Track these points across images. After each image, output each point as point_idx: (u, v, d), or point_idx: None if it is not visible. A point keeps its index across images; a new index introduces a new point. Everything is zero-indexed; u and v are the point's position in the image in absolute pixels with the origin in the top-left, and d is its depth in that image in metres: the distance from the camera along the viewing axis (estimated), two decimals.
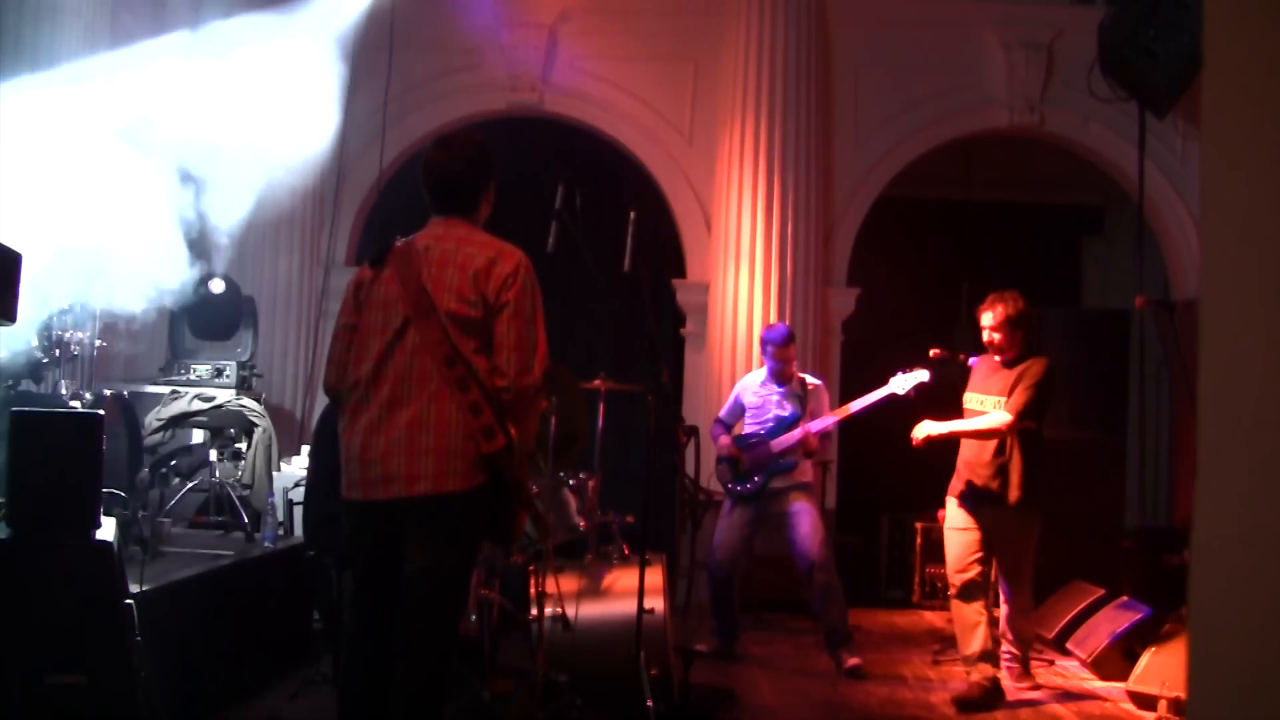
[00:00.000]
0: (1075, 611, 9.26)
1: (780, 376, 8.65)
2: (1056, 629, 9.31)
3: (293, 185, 10.12)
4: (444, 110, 11.68)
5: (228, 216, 9.36)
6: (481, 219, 4.91)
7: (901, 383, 8.46)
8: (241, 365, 9.13)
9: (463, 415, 4.52)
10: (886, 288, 12.40)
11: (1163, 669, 7.41)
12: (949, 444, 7.85)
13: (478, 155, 4.91)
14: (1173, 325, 10.38)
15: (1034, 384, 7.51)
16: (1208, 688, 1.93)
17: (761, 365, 8.97)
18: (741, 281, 11.09)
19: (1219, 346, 1.94)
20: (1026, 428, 7.54)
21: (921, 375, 8.46)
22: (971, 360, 9.17)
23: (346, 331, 4.77)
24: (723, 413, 8.97)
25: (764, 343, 8.83)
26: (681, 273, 11.79)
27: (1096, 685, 8.27)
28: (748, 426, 8.81)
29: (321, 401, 9.53)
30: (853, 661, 8.28)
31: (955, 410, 9.23)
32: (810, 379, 8.90)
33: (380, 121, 11.18)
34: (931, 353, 9.23)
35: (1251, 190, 1.91)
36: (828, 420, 8.58)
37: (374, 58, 11.04)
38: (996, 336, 7.65)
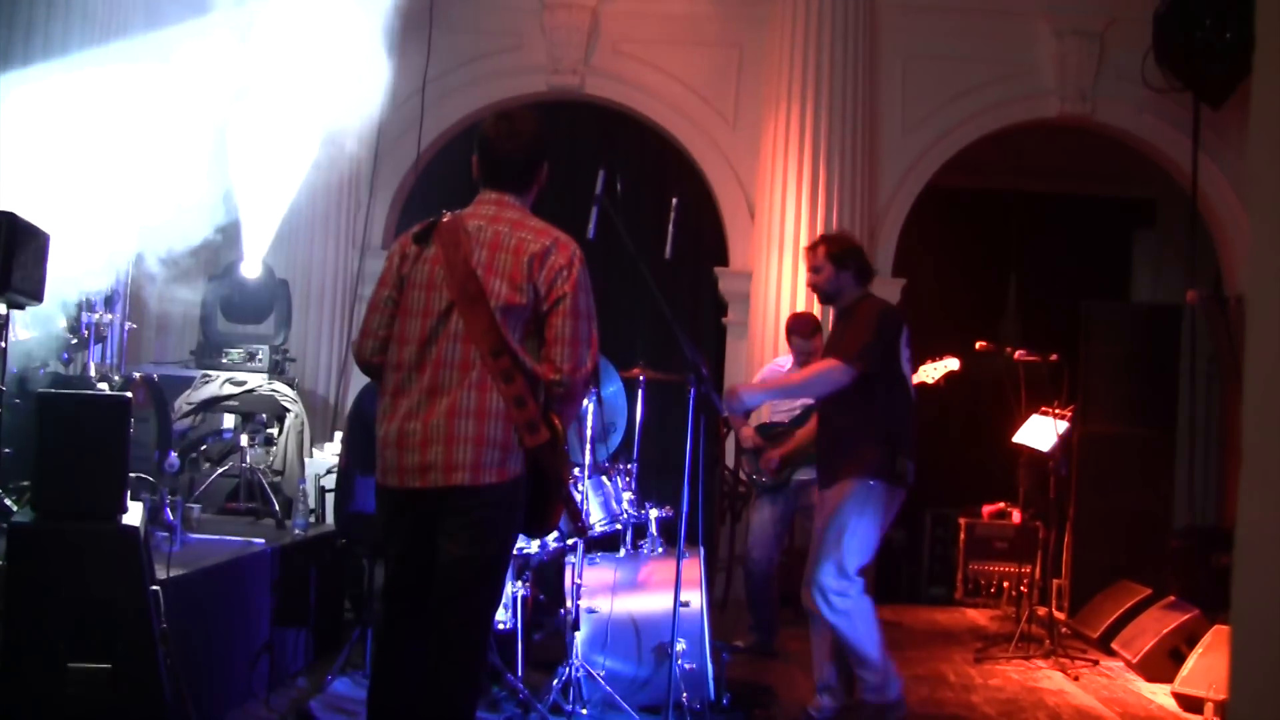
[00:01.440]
0: (1121, 611, 9.18)
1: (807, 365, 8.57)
2: (1102, 629, 9.23)
3: (336, 167, 10.14)
4: (483, 93, 11.61)
5: (270, 199, 9.36)
6: (531, 198, 4.84)
7: (930, 371, 8.38)
8: (274, 349, 9.09)
9: (506, 406, 4.45)
10: (932, 279, 12.31)
11: (1210, 671, 7.33)
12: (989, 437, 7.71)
13: (537, 133, 4.83)
14: (1225, 320, 10.29)
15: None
16: (1249, 689, 1.89)
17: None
18: (785, 271, 10.99)
19: (1265, 343, 1.88)
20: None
21: (951, 364, 8.37)
22: (1019, 354, 9.09)
23: (386, 305, 4.67)
24: None
25: (789, 332, 8.77)
26: (724, 261, 11.70)
27: (1142, 686, 8.18)
28: (774, 416, 8.74)
29: (355, 387, 9.51)
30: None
31: (1001, 406, 9.17)
32: None
33: (419, 104, 11.12)
34: (978, 345, 9.17)
35: None
36: None
37: (412, 38, 10.98)
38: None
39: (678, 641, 6.30)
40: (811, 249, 6.80)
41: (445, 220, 4.65)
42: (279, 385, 8.87)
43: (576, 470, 6.66)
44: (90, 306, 6.33)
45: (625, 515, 7.05)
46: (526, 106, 11.03)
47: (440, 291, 4.55)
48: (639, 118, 11.85)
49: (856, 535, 6.35)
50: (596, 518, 6.85)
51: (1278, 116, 1.93)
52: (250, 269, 9.28)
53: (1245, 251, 11.51)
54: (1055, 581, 10.41)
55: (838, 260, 6.63)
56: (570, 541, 6.71)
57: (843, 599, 6.34)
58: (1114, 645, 8.91)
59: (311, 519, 7.78)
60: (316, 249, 10.98)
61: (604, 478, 7.02)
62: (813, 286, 6.88)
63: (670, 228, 6.75)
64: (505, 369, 4.45)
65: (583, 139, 11.96)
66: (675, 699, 6.19)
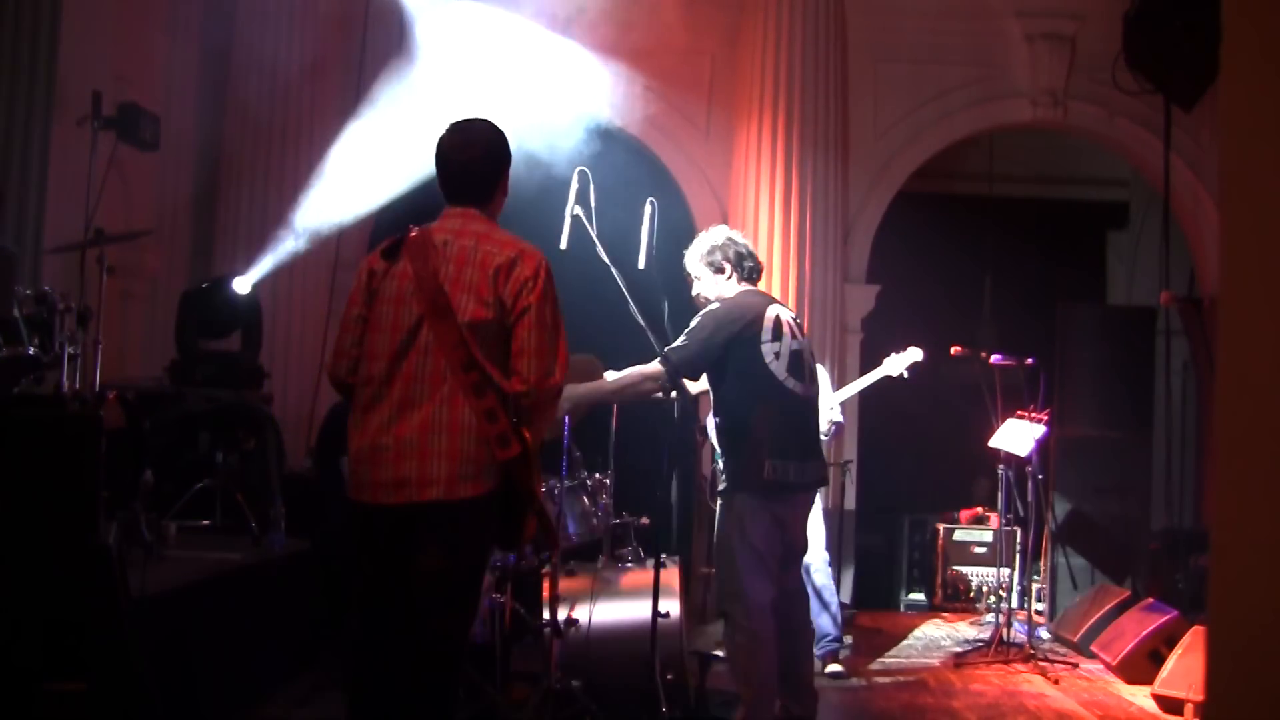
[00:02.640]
0: (1100, 614, 9.21)
1: None
2: (1081, 632, 9.25)
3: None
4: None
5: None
6: (497, 209, 4.82)
7: (895, 364, 8.39)
8: (249, 365, 9.05)
9: (478, 420, 4.43)
10: (907, 284, 12.33)
11: (1189, 672, 7.34)
12: (966, 441, 7.69)
13: (494, 141, 4.81)
14: (1199, 321, 10.33)
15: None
16: (1227, 690, 1.89)
17: None
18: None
19: (1238, 344, 1.89)
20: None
21: (915, 354, 8.39)
22: (994, 358, 9.11)
23: (357, 324, 4.65)
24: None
25: None
26: None
27: (1122, 689, 8.20)
28: None
29: (328, 402, 9.47)
30: (833, 667, 8.18)
31: (980, 408, 9.19)
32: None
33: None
34: (953, 350, 9.19)
35: (1272, 183, 1.87)
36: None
37: (382, 50, 11.01)
38: None
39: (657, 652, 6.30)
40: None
41: (413, 235, 4.64)
42: (254, 400, 8.82)
43: (550, 482, 6.64)
44: (62, 323, 6.29)
45: (601, 526, 7.04)
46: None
47: (409, 306, 4.54)
48: (611, 127, 11.84)
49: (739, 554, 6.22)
50: (572, 529, 6.84)
51: (1247, 116, 1.94)
52: (241, 285, 9.20)
53: (1218, 253, 11.55)
54: (1034, 585, 10.45)
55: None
56: (546, 553, 6.69)
57: None
58: (1093, 648, 8.93)
59: (286, 535, 7.75)
60: (291, 263, 10.93)
61: (580, 489, 7.01)
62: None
63: (645, 235, 6.73)
64: (475, 383, 4.44)
65: (557, 148, 11.94)
66: (654, 710, 6.19)
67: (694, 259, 6.60)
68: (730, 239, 6.64)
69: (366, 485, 4.51)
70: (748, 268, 6.58)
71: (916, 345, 8.51)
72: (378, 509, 4.51)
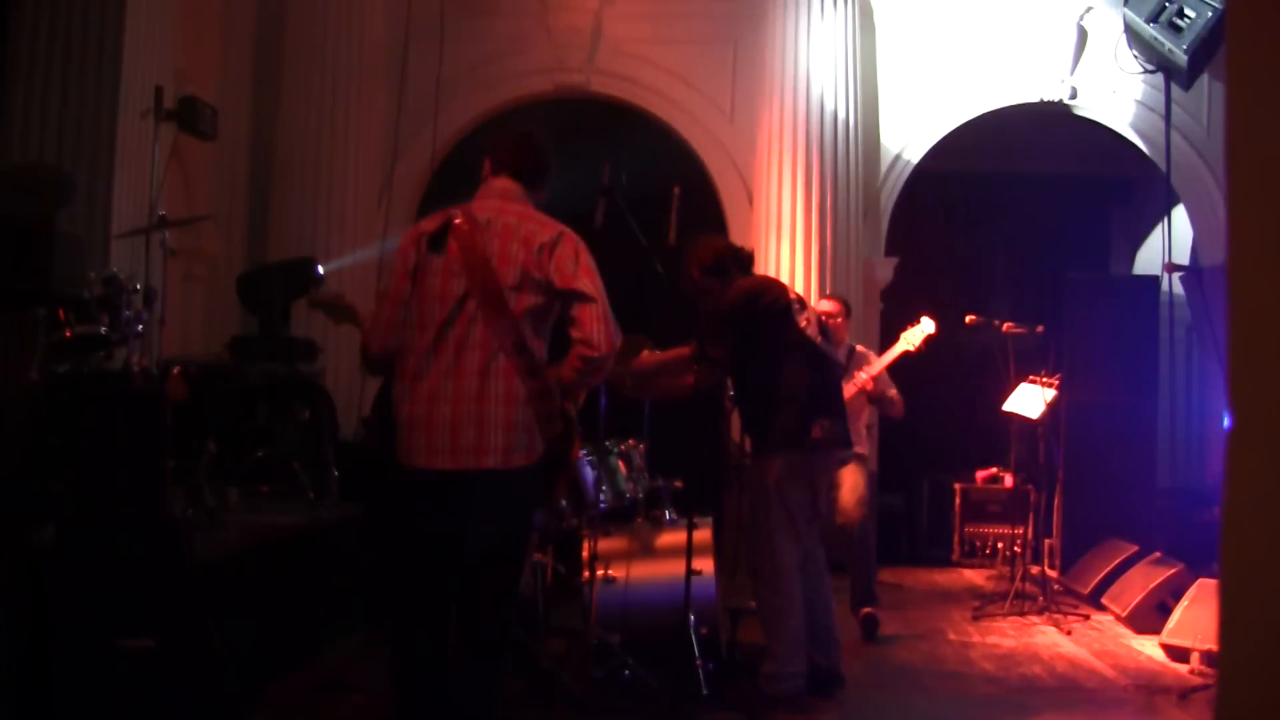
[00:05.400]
0: (1110, 568, 9.17)
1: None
2: (1092, 585, 9.22)
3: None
4: (492, 94, 11.63)
5: None
6: (536, 201, 4.82)
7: (911, 337, 8.34)
8: (304, 339, 9.06)
9: (531, 397, 4.46)
10: (925, 258, 12.29)
11: (1195, 622, 7.31)
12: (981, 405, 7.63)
13: (550, 154, 4.91)
14: (1200, 289, 10.27)
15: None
16: (1239, 639, 1.88)
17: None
18: (783, 253, 10.96)
19: (1246, 310, 1.87)
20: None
21: (928, 327, 8.32)
22: (1007, 326, 9.06)
23: (401, 295, 4.63)
24: None
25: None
26: None
27: (1131, 639, 8.16)
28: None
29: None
30: (866, 611, 8.10)
31: (991, 376, 9.14)
32: (861, 347, 8.77)
33: (432, 107, 11.10)
34: (968, 319, 9.15)
35: (1275, 152, 1.85)
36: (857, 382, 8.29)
37: (424, 45, 11.02)
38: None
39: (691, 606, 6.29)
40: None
41: (458, 221, 4.60)
42: (308, 374, 8.84)
43: (585, 451, 6.65)
44: (129, 304, 6.31)
45: (636, 490, 7.04)
46: (527, 105, 11.11)
47: (458, 278, 4.51)
48: (642, 112, 11.82)
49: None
50: (609, 493, 6.84)
51: (1250, 91, 1.92)
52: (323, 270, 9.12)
53: (1218, 224, 11.48)
54: (1047, 541, 10.41)
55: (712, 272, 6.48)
56: (587, 515, 6.70)
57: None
58: (1104, 600, 8.90)
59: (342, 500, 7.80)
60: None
61: (615, 454, 7.02)
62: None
63: (673, 215, 6.71)
64: (530, 364, 4.46)
65: (589, 134, 11.93)
66: (689, 662, 6.20)
67: (699, 274, 6.49)
68: (722, 243, 6.66)
69: (421, 450, 4.48)
70: (745, 260, 6.59)
71: (930, 316, 8.45)
72: (433, 474, 4.48)
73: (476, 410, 4.42)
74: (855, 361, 8.42)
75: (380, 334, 4.68)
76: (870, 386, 8.25)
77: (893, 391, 8.44)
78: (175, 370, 7.34)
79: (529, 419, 4.46)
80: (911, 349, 8.31)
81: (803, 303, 6.46)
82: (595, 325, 4.49)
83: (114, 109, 8.03)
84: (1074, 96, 11.62)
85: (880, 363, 8.41)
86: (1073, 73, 11.57)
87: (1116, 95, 11.58)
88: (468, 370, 4.45)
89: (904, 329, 8.48)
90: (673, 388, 6.65)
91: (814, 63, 11.09)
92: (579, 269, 4.53)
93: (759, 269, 10.98)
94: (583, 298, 4.50)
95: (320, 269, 8.81)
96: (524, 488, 4.55)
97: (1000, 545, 11.23)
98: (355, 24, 10.94)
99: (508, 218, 4.60)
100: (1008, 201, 13.88)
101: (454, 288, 4.52)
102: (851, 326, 9.32)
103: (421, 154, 11.47)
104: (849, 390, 7.84)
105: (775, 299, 6.33)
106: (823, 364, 6.34)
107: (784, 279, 10.75)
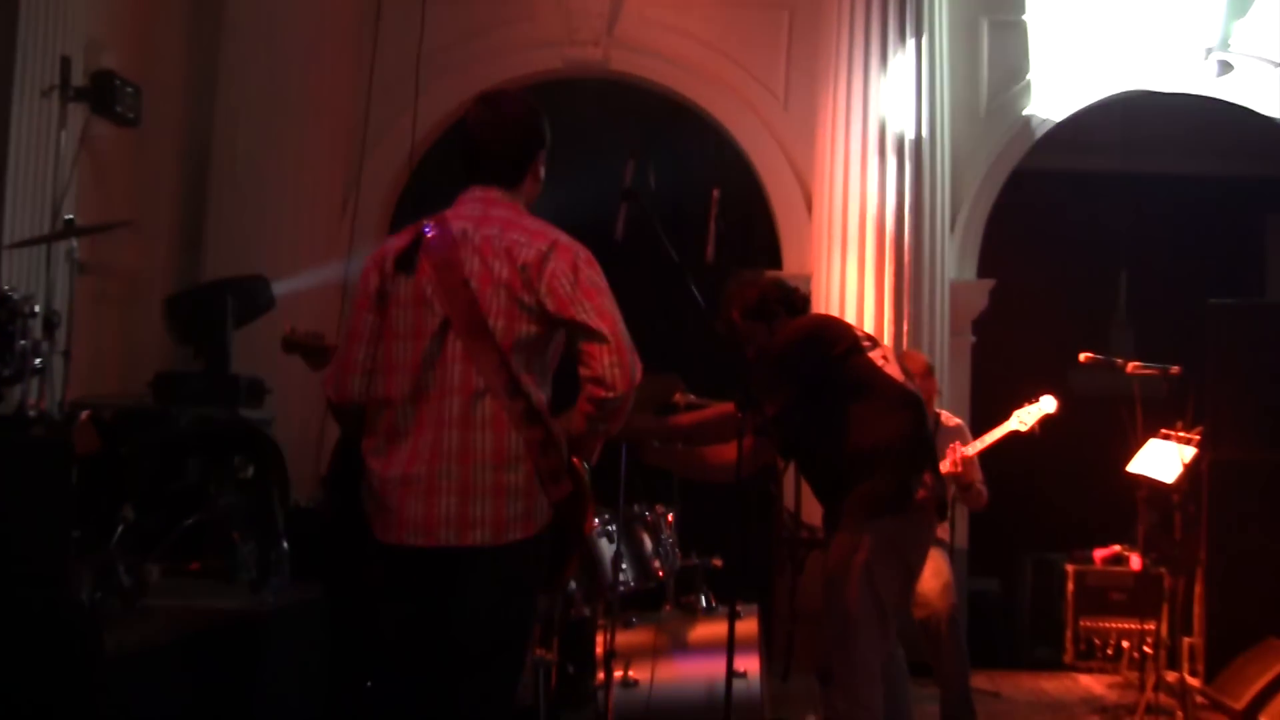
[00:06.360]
0: (1270, 677, 9.05)
1: None
2: (1247, 699, 9.11)
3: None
4: (488, 72, 11.60)
5: None
6: (528, 197, 4.78)
7: (1025, 416, 8.31)
8: (248, 378, 9.08)
9: (528, 452, 4.40)
10: (1026, 279, 12.25)
11: None
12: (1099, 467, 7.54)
13: (528, 117, 4.79)
14: None
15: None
16: None
17: None
18: (849, 274, 10.93)
19: None
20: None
21: (1047, 406, 8.31)
22: (1132, 366, 9.00)
23: (369, 331, 4.60)
24: None
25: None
26: (777, 264, 11.67)
27: None
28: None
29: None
30: None
31: (1113, 429, 9.06)
32: (950, 417, 8.71)
33: (412, 87, 11.12)
34: (1082, 357, 9.10)
35: None
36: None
37: (401, 8, 11.04)
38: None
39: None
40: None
41: (430, 235, 4.56)
42: (253, 421, 8.84)
43: (601, 520, 6.61)
44: (24, 331, 6.30)
45: (664, 569, 7.00)
46: (532, 88, 11.06)
47: (432, 306, 4.48)
48: (672, 96, 11.83)
49: None
50: (630, 573, 6.80)
51: None
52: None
53: None
54: (1186, 640, 10.31)
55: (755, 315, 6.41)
56: (603, 603, 6.67)
57: None
58: (1261, 718, 8.80)
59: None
60: (296, 262, 10.97)
61: (639, 523, 6.97)
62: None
63: (712, 225, 6.70)
64: (524, 410, 4.40)
65: (607, 123, 11.94)
66: None
67: (740, 317, 6.39)
68: (769, 281, 6.56)
69: (394, 525, 4.45)
70: (798, 302, 6.51)
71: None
72: (407, 552, 4.45)
73: (458, 471, 4.38)
74: (943, 437, 8.33)
75: (341, 380, 4.65)
76: (960, 469, 8.18)
77: (979, 477, 8.40)
78: (84, 415, 7.34)
79: (526, 479, 4.40)
80: (1022, 429, 8.28)
81: (874, 340, 6.37)
82: (607, 359, 4.41)
83: (6, 84, 8.03)
84: (1222, 74, 11.56)
85: (983, 441, 8.37)
86: (1221, 46, 11.51)
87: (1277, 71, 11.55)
88: (445, 420, 4.40)
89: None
90: (716, 464, 6.50)
91: (889, 35, 11.06)
92: (578, 289, 4.45)
93: (818, 292, 11.02)
94: (585, 329, 4.43)
95: (273, 290, 8.84)
96: (522, 568, 4.49)
97: (1126, 644, 11.13)
98: None
99: (488, 229, 4.54)
100: (1134, 208, 13.84)
101: (428, 319, 4.48)
102: (932, 364, 9.27)
103: (398, 147, 11.50)
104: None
105: (840, 336, 6.24)
106: (916, 407, 6.24)
107: (850, 304, 10.75)
